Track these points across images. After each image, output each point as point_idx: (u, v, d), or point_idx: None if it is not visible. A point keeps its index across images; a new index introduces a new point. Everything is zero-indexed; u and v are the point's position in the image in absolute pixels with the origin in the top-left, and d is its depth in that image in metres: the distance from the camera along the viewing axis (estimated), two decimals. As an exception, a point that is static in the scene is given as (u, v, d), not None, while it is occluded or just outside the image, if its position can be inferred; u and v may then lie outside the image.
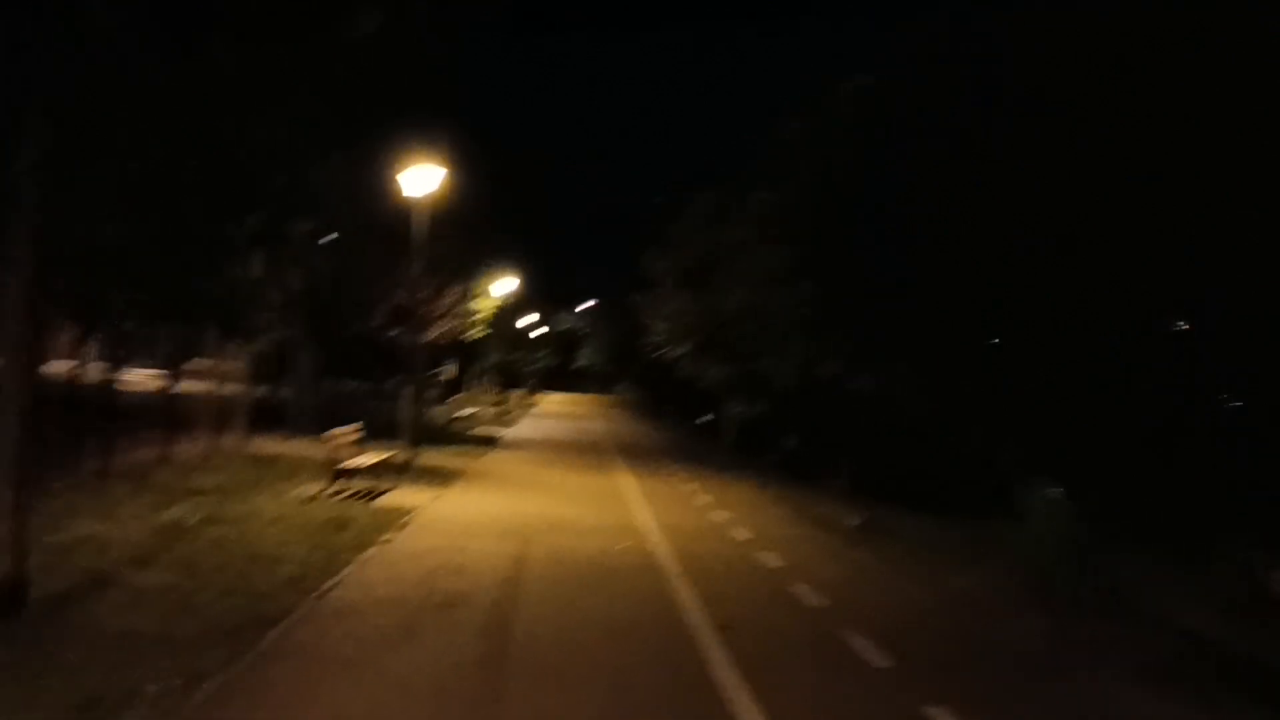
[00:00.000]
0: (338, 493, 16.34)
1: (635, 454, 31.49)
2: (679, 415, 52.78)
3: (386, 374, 35.62)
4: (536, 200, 38.04)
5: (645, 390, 59.44)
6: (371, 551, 11.97)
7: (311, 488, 16.29)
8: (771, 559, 13.54)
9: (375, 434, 24.67)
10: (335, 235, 20.83)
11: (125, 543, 11.03)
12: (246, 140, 11.29)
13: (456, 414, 37.68)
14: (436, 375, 55.72)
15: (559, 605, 10.11)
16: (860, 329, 17.98)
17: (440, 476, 20.25)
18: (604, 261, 69.89)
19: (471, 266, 31.63)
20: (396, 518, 14.47)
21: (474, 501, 17.41)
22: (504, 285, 39.17)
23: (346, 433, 17.62)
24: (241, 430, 21.51)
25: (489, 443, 30.76)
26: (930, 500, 19.34)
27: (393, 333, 24.96)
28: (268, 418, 24.98)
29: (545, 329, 74.51)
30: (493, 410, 47.69)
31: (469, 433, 34.24)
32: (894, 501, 20.36)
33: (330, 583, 10.12)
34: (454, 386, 51.96)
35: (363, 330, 25.49)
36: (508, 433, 37.41)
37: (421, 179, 20.50)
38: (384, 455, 18.30)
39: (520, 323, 57.77)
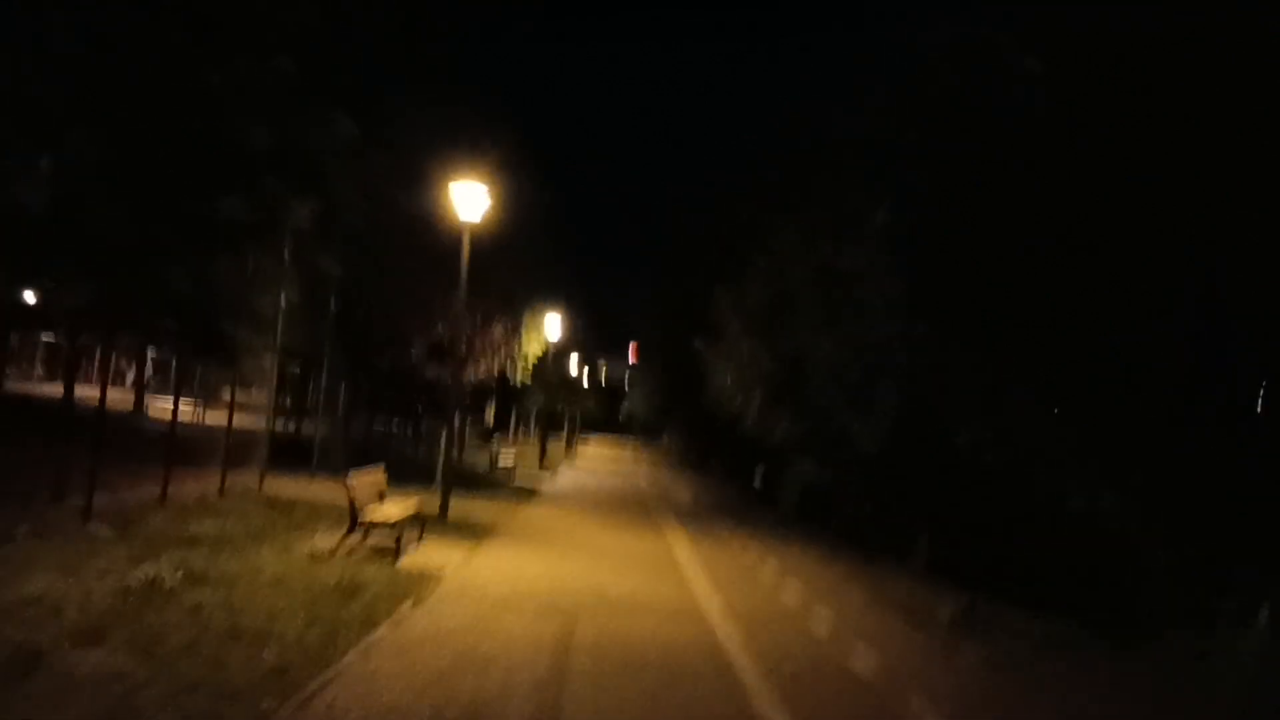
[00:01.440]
0: (357, 547, 14.22)
1: (685, 512, 29.14)
2: (728, 471, 50.29)
3: (427, 414, 33.71)
4: (582, 230, 36.32)
5: (694, 442, 56.88)
6: (381, 632, 9.78)
7: (326, 540, 14.19)
8: (866, 664, 11.17)
9: (409, 478, 22.70)
10: (357, 239, 18.70)
11: (81, 607, 8.94)
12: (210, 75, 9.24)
13: (497, 459, 35.51)
14: (479, 417, 53.90)
15: (612, 725, 7.87)
16: (987, 374, 15.31)
17: (474, 531, 18.07)
18: (648, 304, 67.67)
19: (519, 301, 29.74)
20: (418, 584, 12.29)
21: (510, 564, 15.20)
22: (552, 324, 37.15)
23: (369, 476, 15.52)
24: (259, 468, 19.50)
25: (529, 493, 28.54)
26: (1029, 591, 16.84)
27: (431, 370, 22.98)
28: (293, 455, 23.07)
29: (588, 376, 72.49)
30: (534, 457, 45.55)
31: (509, 481, 32.09)
32: (977, 587, 17.92)
33: (322, 679, 7.93)
34: (496, 430, 49.94)
35: (400, 363, 23.50)
36: (549, 482, 35.20)
37: (470, 197, 18.52)
38: (413, 504, 16.16)
39: (566, 367, 55.74)
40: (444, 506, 18.89)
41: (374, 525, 14.30)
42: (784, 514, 29.74)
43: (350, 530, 14.08)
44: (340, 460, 23.97)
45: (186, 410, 31.28)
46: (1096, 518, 13.95)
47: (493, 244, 22.97)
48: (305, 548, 13.54)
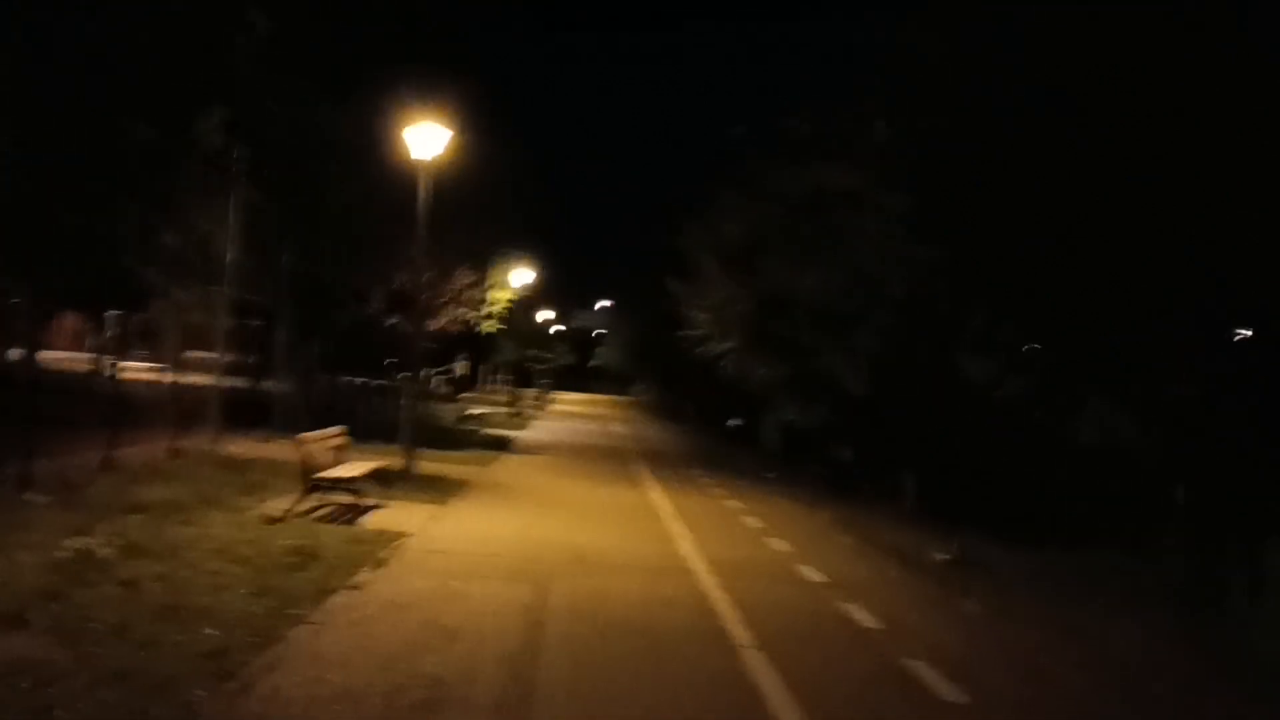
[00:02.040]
0: (313, 510, 13.32)
1: (663, 462, 28.38)
2: (705, 418, 49.62)
3: (394, 369, 32.71)
4: (552, 186, 35.02)
5: (668, 390, 56.00)
6: (336, 601, 8.90)
7: (282, 503, 13.26)
8: (863, 614, 10.41)
9: (376, 435, 21.75)
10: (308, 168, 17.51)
11: (2, 585, 8.04)
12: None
13: (466, 413, 34.64)
14: (448, 371, 52.84)
15: (594, 703, 7.04)
16: (1000, 301, 14.12)
17: (442, 488, 17.17)
18: (623, 255, 66.21)
19: (484, 250, 28.66)
20: (379, 547, 11.40)
21: (479, 523, 14.34)
22: (520, 276, 36.13)
23: (324, 435, 14.61)
24: (214, 428, 18.51)
25: (500, 446, 27.67)
26: (1019, 526, 16.19)
27: (391, 320, 21.97)
28: (253, 414, 22.05)
29: (561, 327, 71.42)
30: (505, 410, 44.68)
31: (479, 434, 31.20)
32: (965, 524, 17.28)
33: (265, 660, 7.05)
34: (465, 384, 48.99)
35: (362, 316, 22.46)
36: (521, 435, 34.32)
37: (427, 138, 17.44)
38: (374, 463, 15.25)
39: (536, 318, 54.72)
40: (410, 463, 17.98)
41: (331, 484, 13.40)
42: (764, 459, 29.04)
43: (307, 491, 13.17)
44: (304, 419, 23.00)
45: (150, 371, 30.16)
46: (1111, 452, 13.15)
47: (458, 192, 21.91)
48: (258, 511, 12.63)
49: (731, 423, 41.35)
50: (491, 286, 30.40)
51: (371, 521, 13.15)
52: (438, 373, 50.32)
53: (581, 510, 16.79)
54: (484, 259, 28.53)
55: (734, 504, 19.49)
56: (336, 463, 14.64)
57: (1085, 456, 13.87)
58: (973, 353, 14.83)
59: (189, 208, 13.51)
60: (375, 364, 32.27)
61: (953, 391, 16.48)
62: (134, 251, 12.46)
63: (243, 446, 18.77)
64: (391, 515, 13.77)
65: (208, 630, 7.56)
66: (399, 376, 35.78)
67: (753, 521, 17.12)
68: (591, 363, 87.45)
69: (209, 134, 10.32)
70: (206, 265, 18.41)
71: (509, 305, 33.12)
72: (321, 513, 13.35)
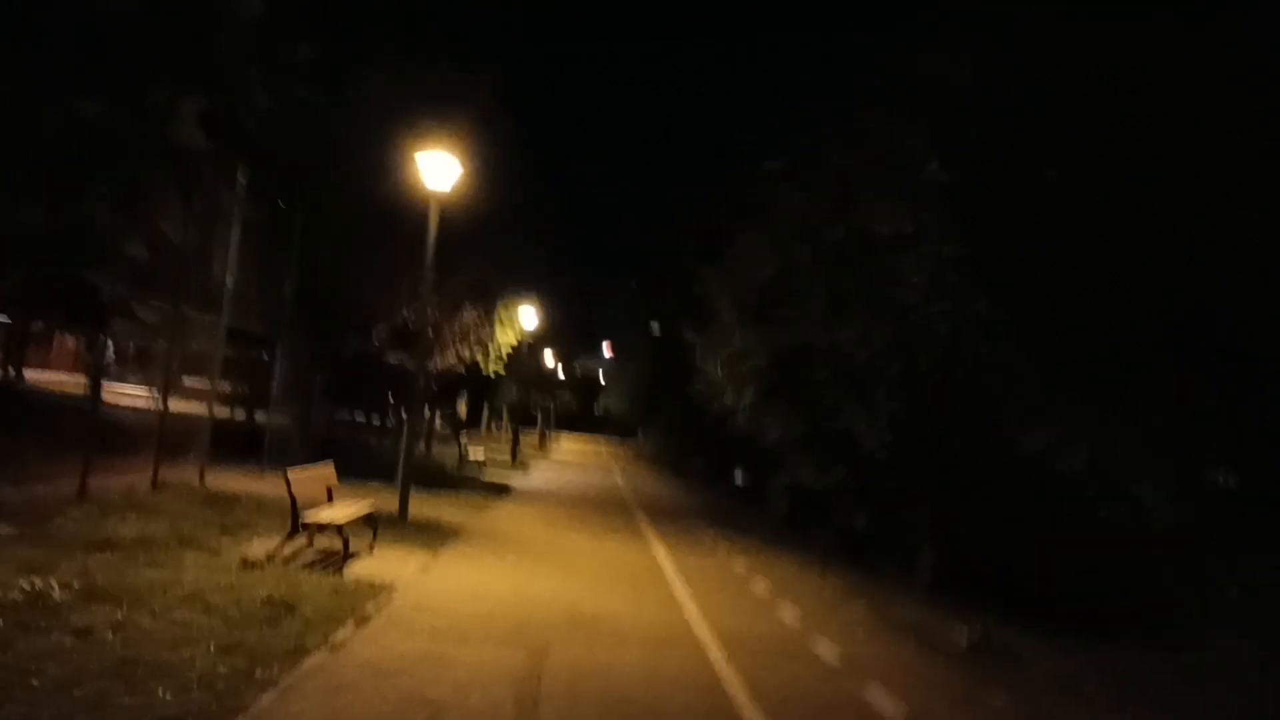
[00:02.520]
0: (297, 554, 12.50)
1: (667, 517, 27.49)
2: (710, 472, 48.61)
3: (396, 405, 31.92)
4: (561, 224, 34.20)
5: (675, 440, 54.84)
6: (311, 663, 8.06)
7: (264, 545, 12.45)
8: (885, 703, 9.53)
9: (372, 473, 20.97)
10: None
11: (-62, 630, 7.24)
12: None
13: (468, 455, 33.80)
14: (451, 411, 51.93)
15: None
16: (1064, 366, 13.00)
17: (436, 534, 16.32)
18: (628, 299, 65.22)
19: (491, 288, 27.95)
20: (364, 600, 10.56)
21: (473, 576, 13.47)
22: (527, 316, 35.40)
23: (315, 472, 13.81)
24: (202, 460, 17.70)
25: (500, 491, 26.81)
26: (1046, 611, 15.29)
27: (394, 356, 21.22)
28: (245, 447, 21.27)
29: (563, 372, 70.52)
30: (507, 453, 43.82)
31: (478, 478, 30.37)
32: (984, 603, 16.38)
33: (222, 736, 6.22)
34: (468, 425, 48.11)
35: (365, 350, 21.70)
36: (521, 480, 33.46)
37: (439, 168, 16.80)
38: (366, 505, 14.42)
39: (541, 360, 53.94)
40: (403, 506, 17.18)
41: (319, 527, 12.58)
42: (773, 520, 28.10)
43: (291, 534, 12.36)
44: (298, 453, 22.21)
45: (143, 397, 29.39)
46: (1173, 527, 12.17)
47: (467, 228, 21.32)
48: (238, 553, 11.78)
49: (738, 479, 40.44)
50: (498, 326, 29.67)
51: (359, 570, 12.31)
52: (442, 413, 49.50)
53: (582, 566, 15.93)
54: (491, 297, 27.83)
55: (741, 566, 18.61)
56: (327, 502, 13.86)
57: (1131, 539, 12.93)
58: (1023, 418, 13.78)
59: (159, 212, 12.58)
60: (378, 400, 31.50)
61: (989, 459, 15.54)
62: (87, 259, 11.49)
63: (232, 481, 17.96)
64: (380, 563, 12.93)
65: (162, 693, 6.74)
66: (400, 414, 35.19)
67: (761, 586, 16.23)
68: (596, 409, 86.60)
69: (183, 126, 9.43)
70: (204, 287, 17.72)
71: (514, 347, 32.37)
72: (306, 558, 12.53)
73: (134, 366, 38.13)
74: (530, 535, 18.93)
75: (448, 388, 39.48)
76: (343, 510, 13.41)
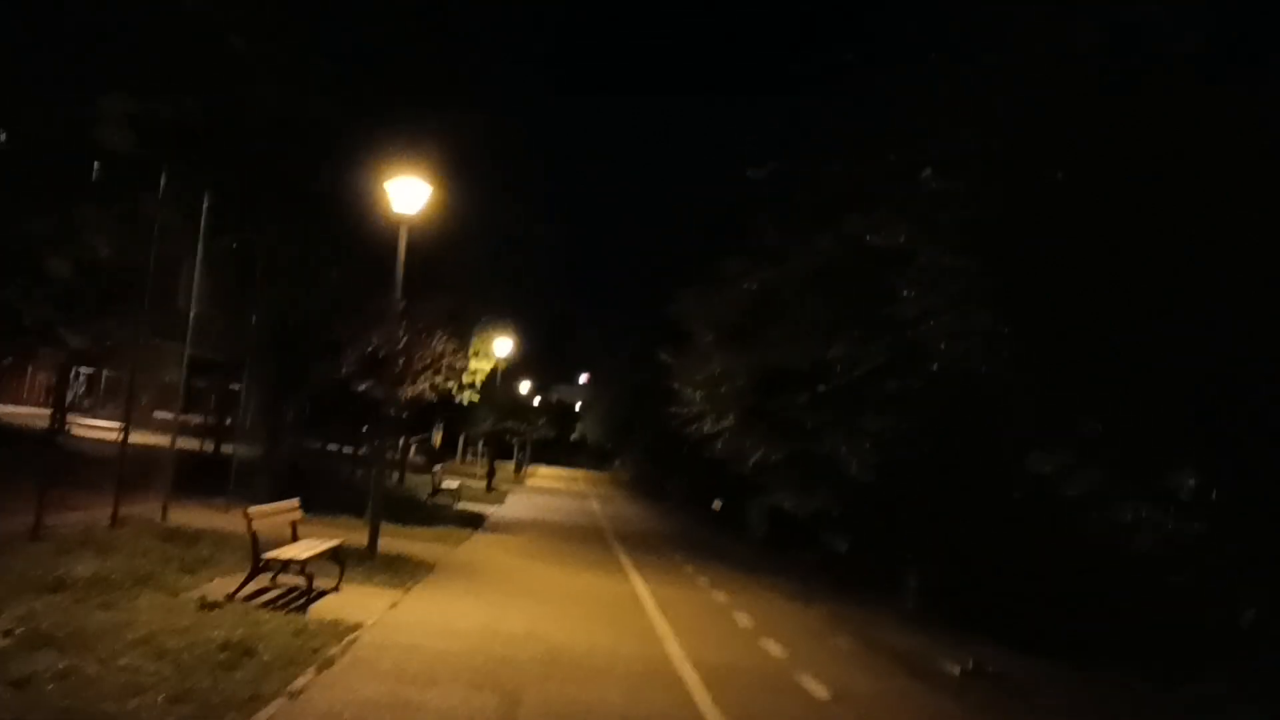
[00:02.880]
0: (260, 593, 11.97)
1: (644, 545, 27.00)
2: (687, 497, 48.16)
3: (370, 436, 31.32)
4: (534, 249, 33.54)
5: (651, 467, 54.32)
6: (269, 713, 7.54)
7: (226, 584, 11.91)
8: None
9: (343, 507, 20.39)
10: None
11: None
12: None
13: (441, 485, 33.18)
14: (425, 441, 51.31)
15: None
16: (1081, 388, 12.40)
17: (406, 570, 15.76)
18: (605, 324, 64.61)
19: (464, 315, 27.47)
20: (328, 641, 10.03)
21: (444, 612, 12.93)
22: (501, 345, 34.95)
23: (278, 507, 13.29)
24: (164, 494, 17.10)
25: (473, 523, 26.21)
26: (1040, 634, 14.89)
27: (364, 385, 20.69)
28: (211, 480, 20.67)
29: (539, 400, 69.85)
30: (481, 483, 43.20)
31: (452, 509, 29.76)
32: (974, 628, 15.97)
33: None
34: (441, 454, 47.50)
35: (335, 378, 21.15)
36: (496, 511, 32.86)
37: (408, 192, 16.39)
38: (333, 540, 13.88)
39: (516, 389, 53.37)
40: (373, 540, 16.61)
41: (281, 565, 12.04)
42: (751, 545, 27.64)
43: (253, 573, 11.82)
44: (267, 485, 21.63)
45: (114, 430, 28.68)
46: (1170, 560, 11.74)
47: (441, 253, 20.86)
48: (196, 594, 11.23)
49: (715, 504, 40.00)
50: (473, 354, 29.17)
51: (324, 608, 11.77)
52: (416, 441, 48.82)
53: (558, 600, 15.42)
54: (465, 324, 27.35)
55: (721, 596, 18.14)
56: (292, 538, 13.33)
57: (1136, 562, 12.47)
58: (1033, 440, 13.28)
59: (87, 226, 11.96)
60: (350, 431, 30.90)
61: (985, 481, 15.09)
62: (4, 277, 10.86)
63: (196, 515, 17.39)
64: (347, 601, 12.40)
65: (104, 751, 6.23)
66: (379, 444, 34.39)
67: (743, 618, 15.78)
68: (573, 437, 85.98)
69: (109, 128, 8.77)
70: (168, 315, 17.21)
71: (489, 375, 31.87)
72: (269, 596, 12.00)
73: (105, 400, 37.51)
74: (504, 567, 18.41)
75: (421, 416, 38.94)
76: (309, 546, 12.87)
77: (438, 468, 36.15)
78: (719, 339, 21.43)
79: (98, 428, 27.38)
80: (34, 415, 28.22)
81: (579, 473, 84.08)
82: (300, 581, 12.22)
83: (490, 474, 44.18)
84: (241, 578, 11.94)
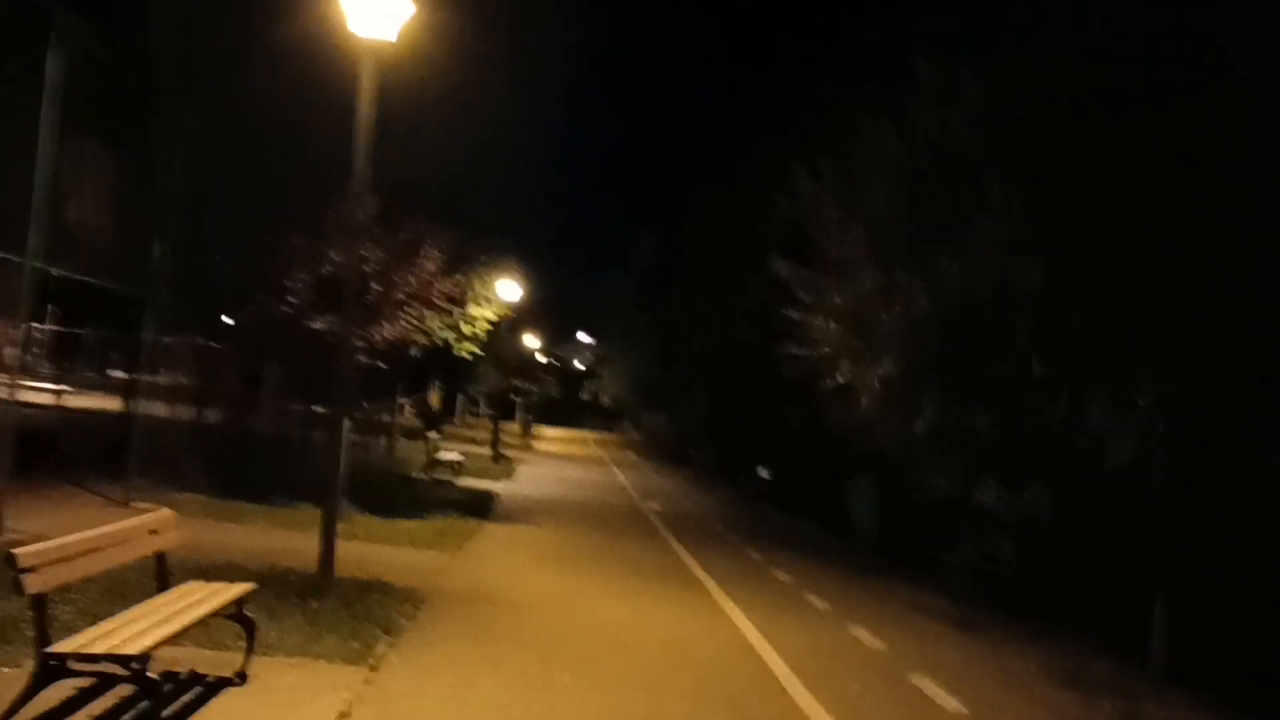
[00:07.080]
0: (64, 710, 5.81)
1: (703, 534, 20.97)
2: (717, 466, 42.05)
3: (365, 396, 25.09)
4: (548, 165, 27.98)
5: (696, 429, 47.41)
6: None
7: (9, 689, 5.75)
8: None
9: (309, 493, 14.47)
10: None
11: None
12: None
13: (438, 454, 27.05)
14: (421, 400, 44.94)
15: None
16: None
17: (379, 613, 9.42)
18: (631, 271, 57.41)
19: (470, 249, 21.27)
20: None
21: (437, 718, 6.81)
22: (507, 289, 28.55)
23: (104, 530, 6.87)
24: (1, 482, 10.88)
25: (479, 508, 19.93)
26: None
27: (319, 320, 14.41)
28: (113, 455, 14.69)
29: (545, 358, 63.59)
30: (485, 449, 37.12)
31: (450, 487, 23.73)
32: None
33: None
34: (440, 417, 41.19)
35: (280, 315, 14.89)
36: (506, 487, 26.62)
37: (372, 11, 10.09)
38: (227, 592, 7.63)
39: (523, 343, 46.87)
40: (327, 556, 10.31)
41: (94, 661, 5.78)
42: (850, 539, 21.49)
43: (34, 685, 5.60)
44: (195, 466, 15.59)
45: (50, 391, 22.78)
46: None
47: (428, 122, 14.79)
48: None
49: (762, 471, 33.99)
50: (474, 298, 22.85)
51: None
52: (413, 400, 42.60)
53: (635, 671, 9.17)
54: (465, 260, 21.04)
55: (862, 633, 12.02)
56: (159, 585, 7.12)
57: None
58: None
59: None
60: (316, 385, 24.62)
61: None
62: None
63: (61, 518, 11.19)
64: (255, 709, 6.26)
65: None
66: (369, 405, 28.22)
67: (928, 685, 9.65)
68: (584, 394, 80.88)
69: None
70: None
71: (491, 326, 25.48)
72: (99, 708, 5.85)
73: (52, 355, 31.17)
74: (533, 594, 12.17)
75: (418, 372, 32.60)
76: (169, 611, 6.59)
77: (434, 434, 29.94)
78: (871, 240, 14.50)
79: (39, 389, 21.43)
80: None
81: (588, 434, 78.35)
82: (190, 657, 6.05)
83: (496, 442, 37.97)
84: (24, 682, 5.73)
